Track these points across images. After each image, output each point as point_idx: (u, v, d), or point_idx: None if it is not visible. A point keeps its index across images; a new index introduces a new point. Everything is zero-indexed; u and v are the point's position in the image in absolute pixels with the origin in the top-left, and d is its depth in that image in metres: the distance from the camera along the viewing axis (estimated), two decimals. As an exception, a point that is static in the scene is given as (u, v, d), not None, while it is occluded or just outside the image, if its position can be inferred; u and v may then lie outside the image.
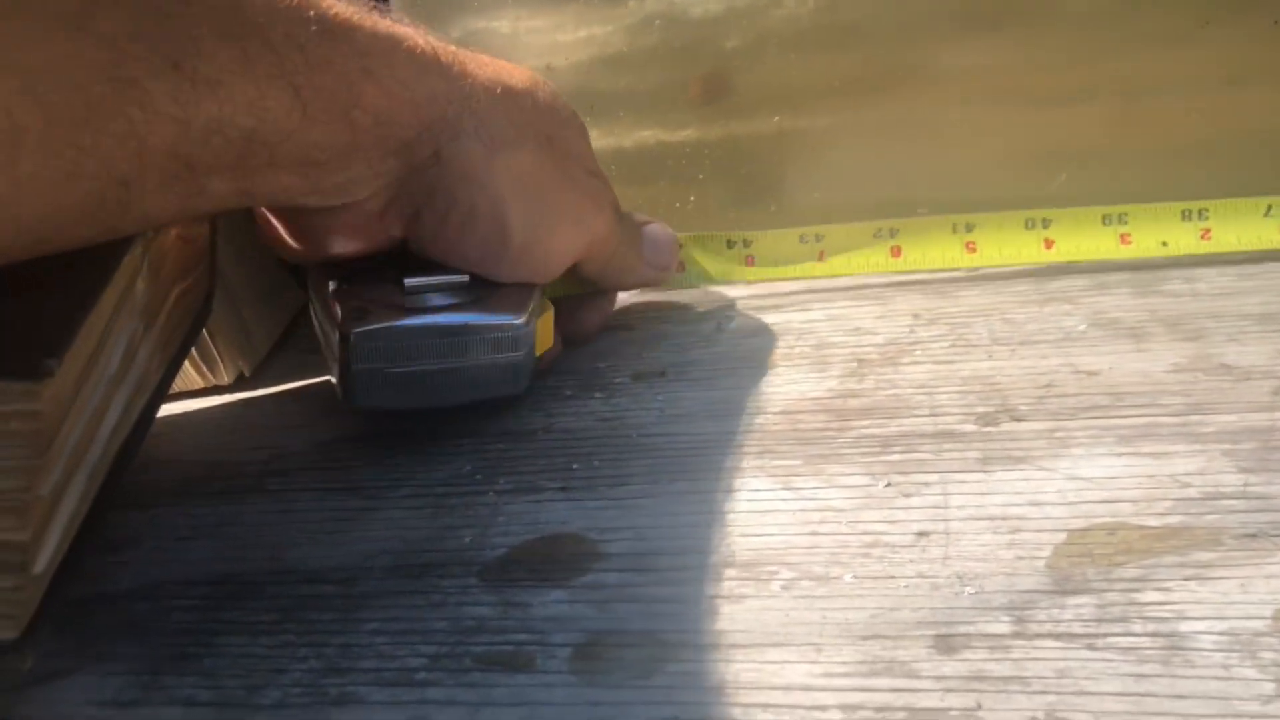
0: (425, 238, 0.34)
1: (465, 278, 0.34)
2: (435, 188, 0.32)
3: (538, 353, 0.37)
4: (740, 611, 0.27)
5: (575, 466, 0.35)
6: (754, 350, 0.40)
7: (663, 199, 0.46)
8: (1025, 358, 0.37)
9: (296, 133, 0.27)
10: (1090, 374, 0.35)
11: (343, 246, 0.34)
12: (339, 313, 0.33)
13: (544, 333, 0.37)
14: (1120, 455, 0.31)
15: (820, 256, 0.45)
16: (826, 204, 0.45)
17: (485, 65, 0.34)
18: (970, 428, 0.33)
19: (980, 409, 0.34)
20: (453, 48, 0.33)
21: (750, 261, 0.45)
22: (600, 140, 0.43)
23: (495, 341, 0.35)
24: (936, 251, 0.44)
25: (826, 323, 0.41)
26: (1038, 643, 0.25)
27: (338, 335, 0.33)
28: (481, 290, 0.35)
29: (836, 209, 0.45)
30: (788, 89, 0.46)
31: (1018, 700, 0.23)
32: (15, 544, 0.25)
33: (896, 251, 0.44)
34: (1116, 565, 0.27)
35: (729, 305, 0.44)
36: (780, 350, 0.40)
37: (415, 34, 0.31)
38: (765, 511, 0.31)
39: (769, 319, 0.43)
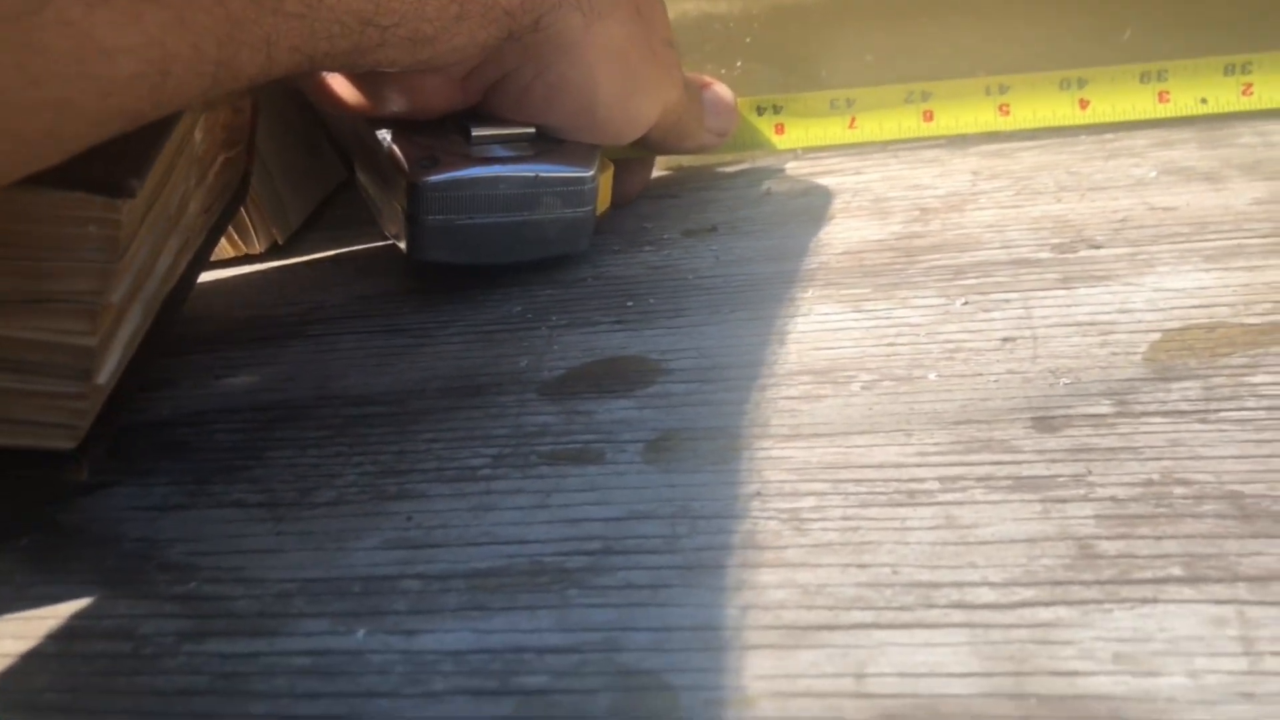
0: (507, 103, 0.33)
1: (532, 130, 0.33)
2: (528, 55, 0.31)
3: (598, 210, 0.35)
4: (820, 408, 0.26)
5: (630, 304, 0.33)
6: (807, 206, 0.39)
7: (706, 70, 0.45)
8: (1096, 200, 0.35)
9: (410, 13, 0.27)
10: (1167, 209, 0.34)
11: (414, 108, 0.33)
12: (406, 161, 0.32)
13: (604, 190, 0.36)
14: (1209, 270, 0.29)
15: (851, 123, 0.43)
16: (876, 71, 0.44)
17: None
18: (1046, 255, 0.32)
19: (1055, 240, 0.33)
20: None
21: (780, 129, 0.44)
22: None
23: (564, 195, 0.33)
24: (970, 115, 0.42)
25: (881, 182, 0.40)
26: (1144, 420, 0.23)
27: (405, 184, 0.32)
28: (548, 144, 0.33)
29: (882, 79, 0.43)
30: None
31: (1129, 466, 0.22)
32: (83, 349, 0.24)
33: (928, 115, 0.43)
34: (1220, 356, 0.25)
35: (776, 170, 0.43)
36: (836, 205, 0.38)
37: None
38: (836, 330, 0.29)
39: (819, 181, 0.41)
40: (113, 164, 0.23)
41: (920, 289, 0.31)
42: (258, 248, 0.42)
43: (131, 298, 0.27)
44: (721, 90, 0.40)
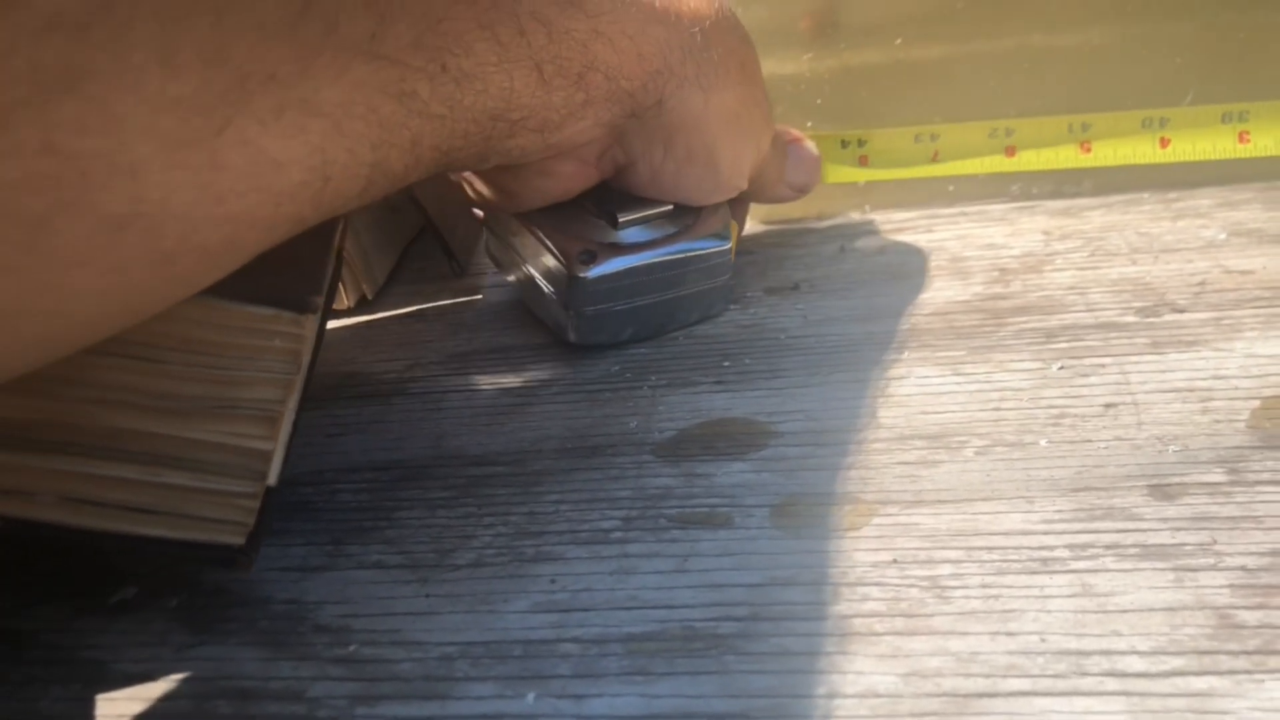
0: (640, 182, 0.34)
1: (670, 206, 0.35)
2: (655, 135, 0.33)
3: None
4: (939, 474, 0.27)
5: (726, 364, 0.34)
6: (885, 265, 0.40)
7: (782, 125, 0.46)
8: (1170, 263, 0.36)
9: (538, 106, 0.28)
10: (1244, 273, 0.35)
11: (554, 194, 0.35)
12: (565, 257, 0.34)
13: (735, 248, 0.38)
14: (1297, 336, 0.30)
15: (934, 157, 0.44)
16: (951, 116, 0.45)
17: None
18: (1132, 319, 0.33)
19: (1138, 304, 0.34)
20: None
21: (863, 161, 0.45)
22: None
23: (707, 269, 0.36)
24: (1051, 152, 0.43)
25: (955, 241, 0.41)
26: (1260, 489, 0.24)
27: (566, 278, 0.34)
28: (685, 217, 0.35)
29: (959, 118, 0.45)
30: (899, 13, 0.46)
31: (1254, 535, 0.23)
32: (260, 453, 0.25)
33: (1011, 151, 0.44)
34: (1322, 424, 0.26)
35: (850, 228, 0.44)
36: (914, 264, 0.40)
37: None
38: (939, 394, 0.31)
39: (894, 239, 0.42)
40: (293, 277, 0.25)
41: (1015, 352, 0.32)
42: (347, 303, 0.43)
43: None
44: (808, 146, 0.42)
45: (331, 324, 0.43)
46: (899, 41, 0.45)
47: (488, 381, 0.36)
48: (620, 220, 0.35)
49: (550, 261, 0.35)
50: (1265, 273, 0.35)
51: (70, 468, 0.23)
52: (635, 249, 0.35)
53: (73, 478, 0.23)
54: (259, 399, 0.25)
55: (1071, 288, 0.36)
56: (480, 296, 0.43)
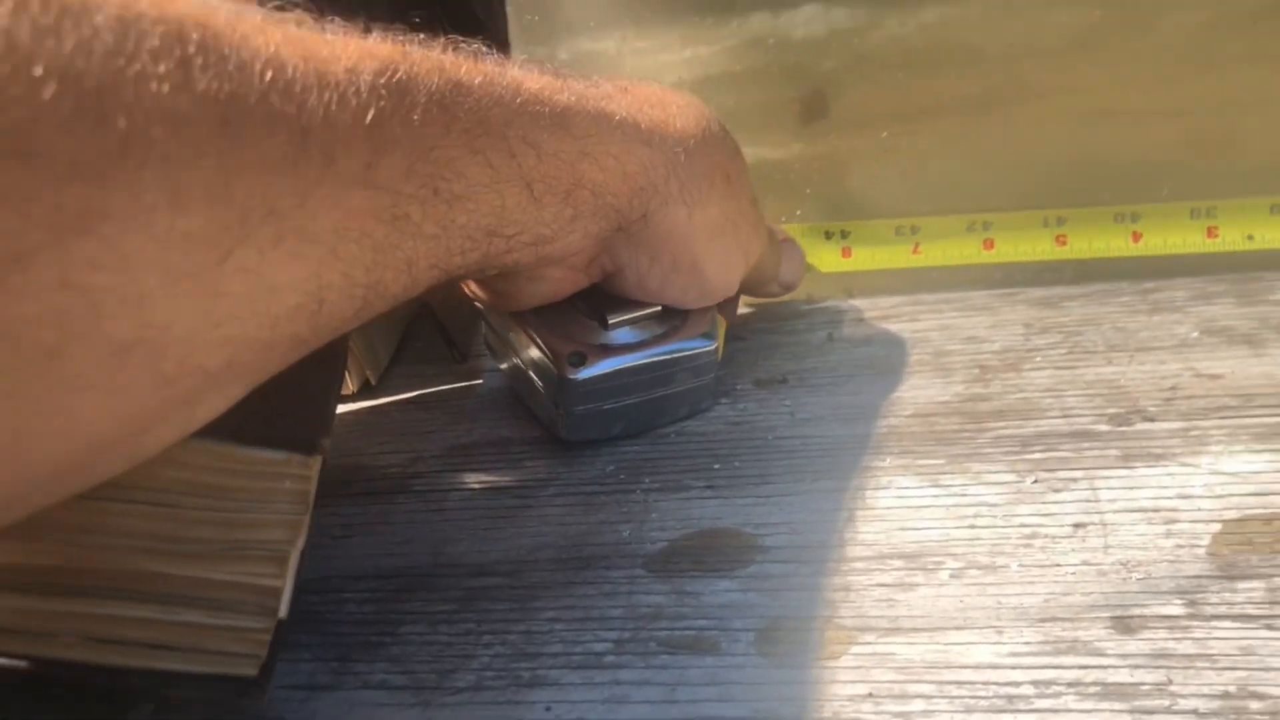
0: (628, 286, 0.36)
1: (658, 308, 0.37)
2: (640, 245, 0.35)
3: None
4: (915, 598, 0.28)
5: (717, 466, 0.36)
6: (870, 358, 0.41)
7: (768, 215, 0.48)
8: (1144, 363, 0.38)
9: (530, 221, 0.30)
10: (1214, 377, 0.36)
11: (545, 297, 0.37)
12: (555, 358, 0.36)
13: (721, 345, 0.39)
14: (1260, 452, 0.32)
15: (915, 248, 0.46)
16: (932, 209, 0.47)
17: (673, 114, 0.36)
18: (1105, 428, 0.34)
19: (1111, 410, 0.35)
20: (649, 106, 0.35)
21: (847, 254, 0.47)
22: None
23: (693, 368, 0.38)
24: (1028, 244, 0.45)
25: (939, 332, 0.43)
26: (1215, 623, 0.26)
27: (557, 378, 0.36)
28: (673, 318, 0.37)
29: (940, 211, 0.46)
30: (887, 106, 0.47)
31: (1206, 676, 0.24)
32: (271, 589, 0.26)
33: (989, 244, 0.46)
34: (1279, 552, 0.28)
35: (837, 315, 0.45)
36: (897, 358, 0.41)
37: (618, 103, 0.33)
38: (918, 507, 0.32)
39: (879, 328, 0.44)
40: (301, 417, 0.26)
41: (991, 462, 0.33)
42: (351, 388, 0.45)
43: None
44: (797, 246, 0.44)
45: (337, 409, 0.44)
46: (885, 135, 0.46)
47: (486, 480, 0.37)
48: (610, 322, 0.36)
49: (542, 360, 0.37)
50: (1233, 378, 0.36)
51: (91, 609, 0.25)
52: (624, 350, 0.36)
53: (93, 619, 0.25)
54: (269, 540, 0.26)
55: (1049, 389, 0.37)
56: (480, 381, 0.45)
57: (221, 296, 0.21)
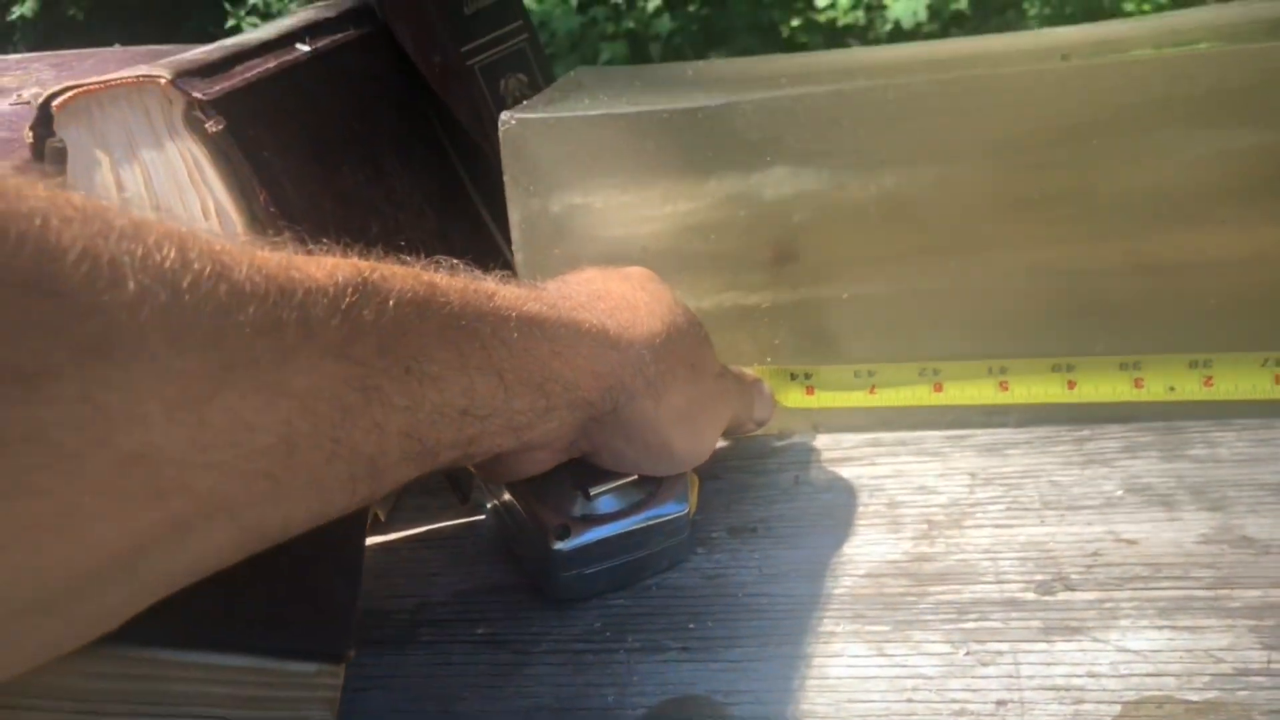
0: (605, 462, 0.42)
1: (635, 476, 0.42)
2: (614, 431, 0.40)
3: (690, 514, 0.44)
4: (857, 776, 0.33)
5: (691, 626, 0.41)
6: (831, 507, 0.46)
7: (743, 358, 0.52)
8: (1073, 523, 0.43)
9: (502, 406, 0.34)
10: (1130, 543, 0.41)
11: (527, 472, 0.42)
12: (542, 529, 0.41)
13: (694, 502, 0.44)
14: (1161, 629, 0.37)
15: (871, 390, 0.51)
16: (889, 354, 0.52)
17: (641, 315, 0.40)
18: (1031, 596, 0.39)
19: (1039, 577, 0.40)
20: (618, 310, 0.40)
21: (810, 391, 0.52)
22: (687, 302, 0.50)
23: (669, 530, 0.42)
24: (974, 389, 0.50)
25: (893, 479, 0.47)
26: (1106, 812, 0.31)
27: (547, 548, 0.41)
28: (649, 484, 0.42)
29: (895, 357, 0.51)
30: (851, 258, 0.52)
31: None
32: None
33: (938, 387, 0.51)
34: (1166, 738, 0.33)
35: (803, 456, 0.50)
36: (856, 508, 0.46)
37: (589, 311, 0.38)
38: (865, 678, 0.37)
39: (841, 472, 0.49)
40: (329, 627, 0.31)
41: (930, 630, 0.38)
42: (362, 525, 0.49)
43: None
44: (766, 386, 0.49)
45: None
46: (846, 296, 0.51)
47: (487, 632, 0.42)
48: (592, 493, 0.41)
49: (530, 529, 0.41)
50: (1147, 545, 0.41)
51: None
52: (605, 520, 0.41)
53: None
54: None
55: (986, 551, 0.42)
56: (482, 518, 0.49)
57: (207, 427, 0.25)
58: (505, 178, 0.52)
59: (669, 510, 0.42)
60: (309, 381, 0.28)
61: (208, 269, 0.25)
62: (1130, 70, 0.47)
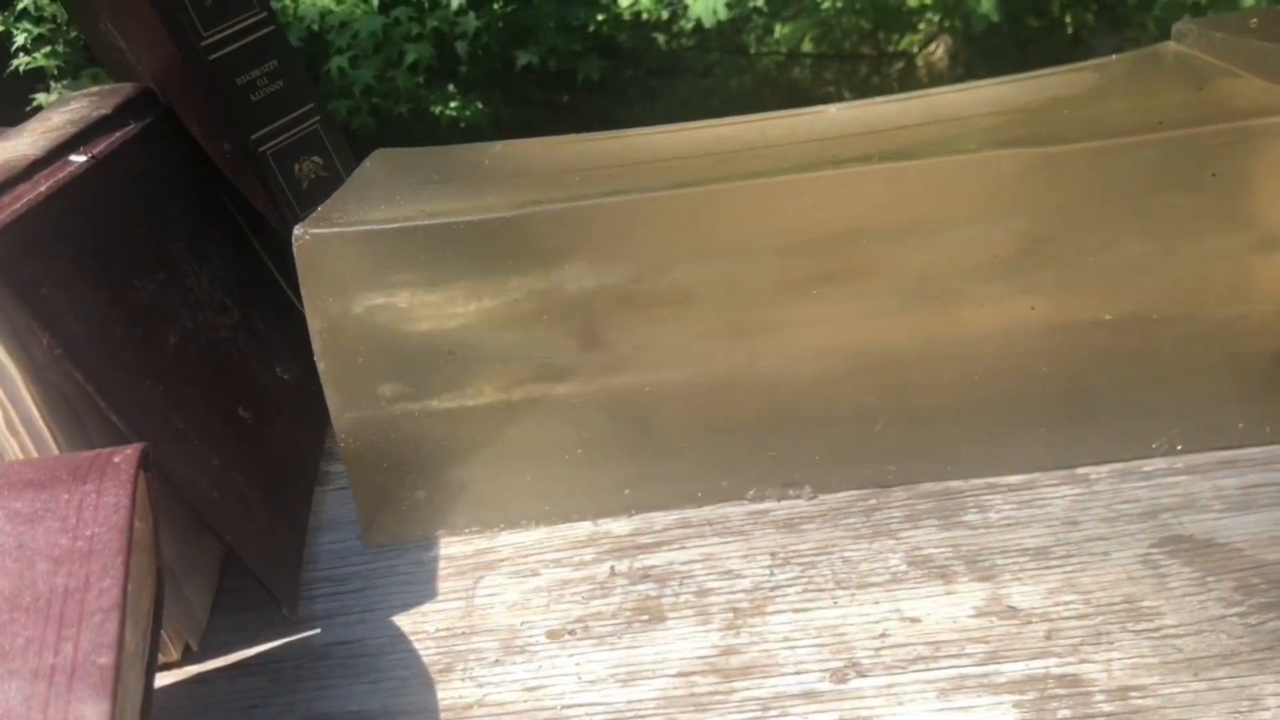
0: None
1: None
2: None
3: None
4: None
5: (516, 744, 0.42)
6: (645, 601, 0.48)
7: (557, 448, 0.54)
8: (863, 603, 0.46)
9: None
10: (914, 621, 0.45)
11: None
12: None
13: None
14: (940, 712, 0.41)
15: None
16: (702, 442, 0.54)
17: None
18: (826, 686, 0.42)
19: (833, 664, 0.43)
20: None
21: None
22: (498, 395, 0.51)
23: None
24: None
25: (701, 565, 0.50)
26: None
27: None
28: None
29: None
30: (651, 344, 0.54)
31: None
32: None
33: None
34: (943, 828, 0.36)
35: (619, 544, 0.52)
36: (666, 599, 0.48)
37: None
38: (678, 789, 0.39)
39: (652, 560, 0.51)
40: None
41: (737, 732, 0.41)
42: (174, 655, 0.48)
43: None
44: None
45: (162, 680, 0.48)
46: (648, 389, 0.53)
47: (312, 773, 0.42)
48: None
49: None
50: (929, 623, 0.45)
51: None
52: None
53: None
54: None
55: (785, 639, 0.45)
56: (312, 634, 0.49)
57: None
58: (302, 289, 0.52)
59: None
60: None
61: None
62: (891, 175, 0.50)
